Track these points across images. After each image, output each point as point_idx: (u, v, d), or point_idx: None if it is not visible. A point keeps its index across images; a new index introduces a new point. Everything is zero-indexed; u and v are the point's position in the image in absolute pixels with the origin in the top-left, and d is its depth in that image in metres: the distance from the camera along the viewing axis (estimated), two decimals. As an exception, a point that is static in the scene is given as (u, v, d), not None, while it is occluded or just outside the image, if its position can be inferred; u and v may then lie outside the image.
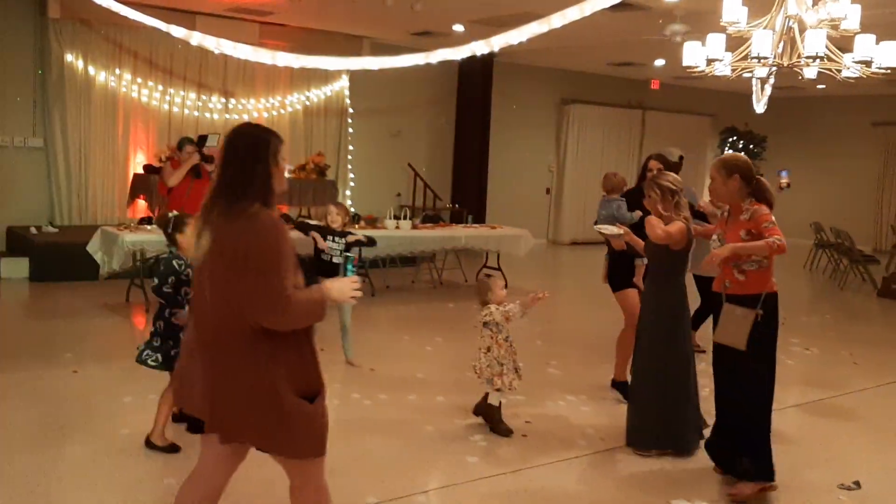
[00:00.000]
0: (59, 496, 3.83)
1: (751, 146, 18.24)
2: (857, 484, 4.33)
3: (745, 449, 4.12)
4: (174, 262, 4.36)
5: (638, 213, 5.55)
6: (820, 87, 14.53)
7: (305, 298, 2.63)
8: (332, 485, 4.00)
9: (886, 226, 16.33)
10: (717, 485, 4.27)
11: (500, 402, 4.88)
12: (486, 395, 4.91)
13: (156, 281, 4.39)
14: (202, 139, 8.46)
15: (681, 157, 6.33)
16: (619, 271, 5.62)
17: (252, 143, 2.68)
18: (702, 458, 4.54)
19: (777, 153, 18.15)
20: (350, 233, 6.35)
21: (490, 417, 4.90)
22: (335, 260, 6.07)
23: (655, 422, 4.61)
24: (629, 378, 5.02)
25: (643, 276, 5.19)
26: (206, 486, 2.90)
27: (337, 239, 6.12)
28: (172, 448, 4.36)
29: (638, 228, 5.11)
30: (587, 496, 4.07)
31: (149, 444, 4.39)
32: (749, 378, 4.12)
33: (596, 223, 5.54)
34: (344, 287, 2.78)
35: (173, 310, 4.35)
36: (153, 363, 4.38)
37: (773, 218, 4.10)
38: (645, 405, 4.65)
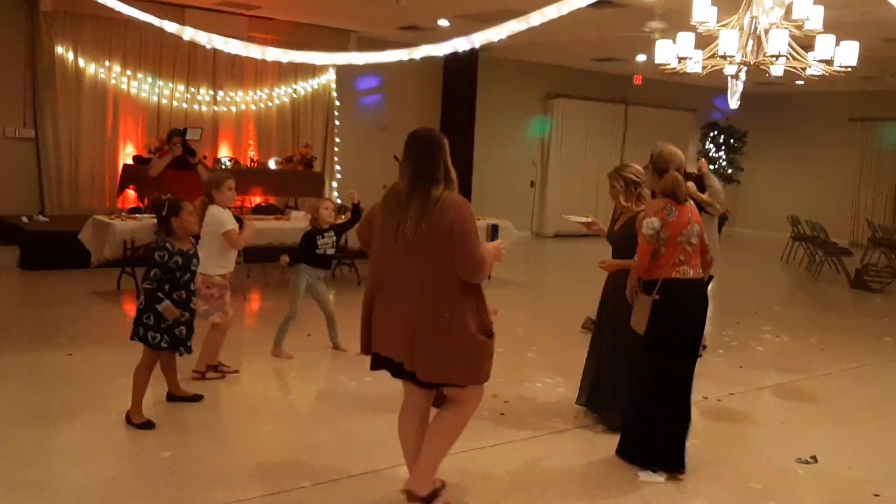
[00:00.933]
0: (59, 469, 4.04)
1: (731, 140, 18.57)
2: (814, 458, 4.61)
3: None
4: (156, 255, 4.54)
5: None
6: (798, 82, 14.83)
7: (488, 257, 3.45)
8: (320, 458, 4.27)
9: (863, 220, 16.69)
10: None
11: None
12: None
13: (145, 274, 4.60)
14: (183, 132, 8.53)
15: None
16: None
17: (434, 143, 3.53)
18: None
19: (757, 148, 18.48)
20: (337, 225, 6.48)
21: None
22: (329, 252, 6.29)
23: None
24: None
25: None
26: (418, 413, 3.72)
27: (327, 234, 6.30)
28: (148, 424, 4.55)
29: None
30: (559, 469, 4.32)
31: (128, 420, 4.60)
32: (637, 364, 4.31)
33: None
34: (495, 249, 3.60)
35: (154, 305, 4.50)
36: (163, 344, 4.59)
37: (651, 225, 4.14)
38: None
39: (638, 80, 16.13)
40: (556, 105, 16.20)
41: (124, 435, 4.50)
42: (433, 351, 3.41)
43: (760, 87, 15.43)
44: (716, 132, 18.58)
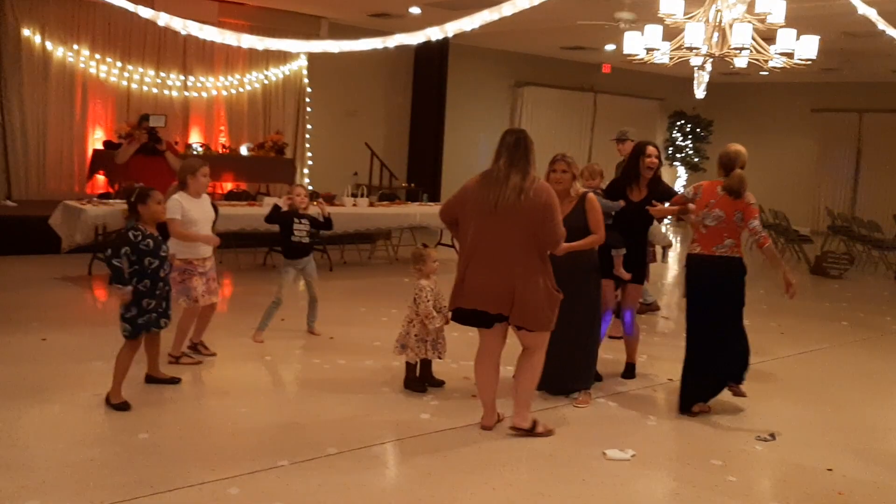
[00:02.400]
0: (37, 450, 4.07)
1: (697, 129, 18.87)
2: (773, 436, 4.81)
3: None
4: (130, 234, 4.61)
5: (621, 203, 5.62)
6: (763, 73, 15.11)
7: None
8: (297, 437, 4.38)
9: (823, 208, 17.10)
10: (643, 435, 4.72)
11: (417, 363, 5.30)
12: (409, 366, 5.32)
13: (108, 252, 4.60)
14: (145, 118, 8.30)
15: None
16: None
17: (526, 138, 4.41)
18: (630, 415, 4.98)
19: (722, 136, 18.77)
20: (311, 216, 6.48)
21: (407, 376, 5.33)
22: (304, 241, 6.32)
23: (570, 366, 5.16)
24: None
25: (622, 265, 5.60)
26: (493, 357, 4.60)
27: (303, 220, 6.34)
28: (124, 406, 4.64)
29: (620, 217, 5.54)
30: (528, 447, 4.47)
31: (107, 401, 4.68)
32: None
33: None
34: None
35: (116, 284, 4.56)
36: (123, 334, 4.66)
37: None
38: (559, 353, 4.94)
39: (607, 68, 16.32)
40: (524, 93, 16.34)
41: (102, 416, 4.56)
42: (527, 302, 4.30)
43: (727, 77, 15.71)
44: (682, 121, 18.87)
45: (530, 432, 4.54)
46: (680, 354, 6.50)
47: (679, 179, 18.93)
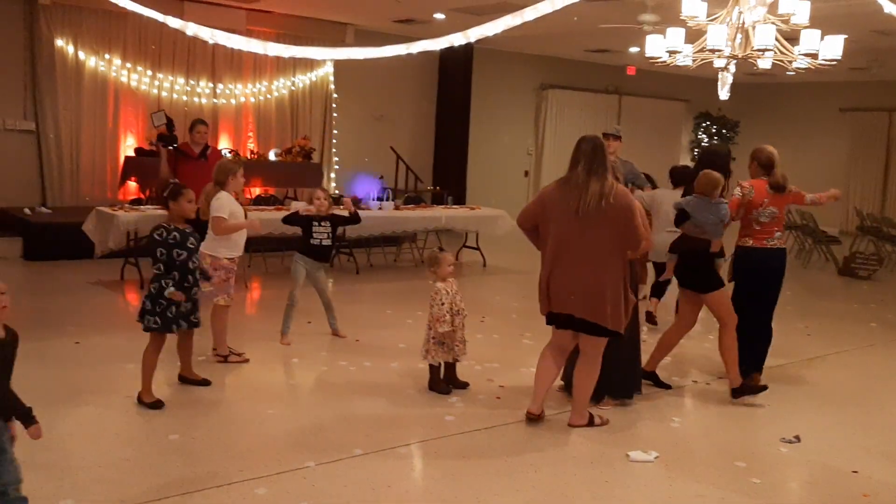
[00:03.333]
0: (74, 451, 4.19)
1: (723, 131, 18.74)
2: (798, 438, 4.80)
3: None
4: (154, 234, 4.78)
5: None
6: (789, 73, 14.99)
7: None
8: (323, 439, 4.45)
9: (852, 208, 16.88)
10: (667, 437, 4.73)
11: (440, 364, 5.35)
12: (433, 368, 5.37)
13: (152, 261, 4.80)
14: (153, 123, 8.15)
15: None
16: (704, 272, 5.44)
17: (601, 145, 4.55)
18: (654, 416, 5.01)
19: (749, 137, 18.62)
20: (334, 215, 6.58)
21: (431, 378, 5.37)
22: (324, 243, 6.38)
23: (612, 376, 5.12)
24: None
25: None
26: (561, 353, 4.83)
27: (324, 223, 6.41)
28: (157, 404, 4.79)
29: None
30: (554, 449, 4.51)
31: (139, 401, 4.83)
32: None
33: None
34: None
35: (163, 280, 4.71)
36: (154, 326, 4.77)
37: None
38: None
39: (632, 70, 16.28)
40: (549, 96, 16.35)
41: (135, 417, 4.67)
42: (613, 306, 4.47)
43: (752, 77, 15.61)
44: (708, 122, 18.75)
45: (588, 425, 4.78)
46: (699, 355, 6.55)
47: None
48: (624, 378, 5.24)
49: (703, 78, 16.71)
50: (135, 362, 5.43)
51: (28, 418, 3.15)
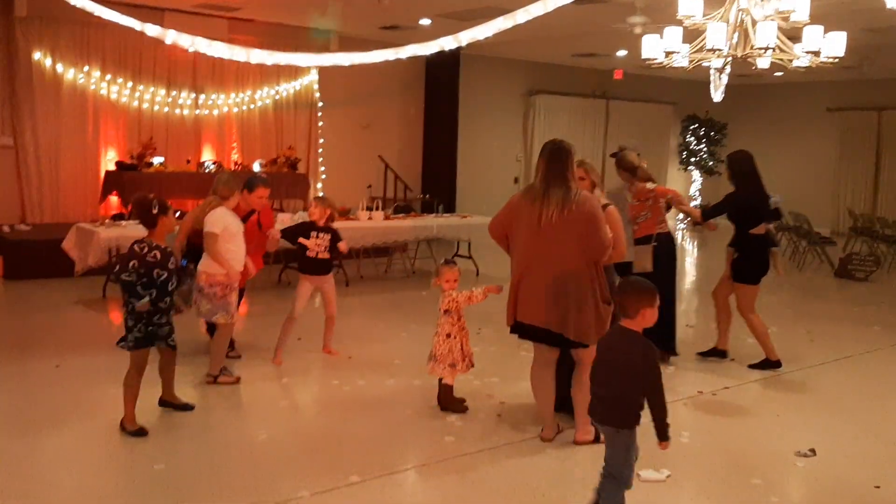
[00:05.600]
0: (52, 481, 3.97)
1: (711, 133, 18.64)
2: (813, 451, 4.61)
3: None
4: (136, 246, 4.51)
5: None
6: (777, 73, 14.93)
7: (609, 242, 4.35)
8: (317, 464, 4.22)
9: (844, 208, 16.81)
10: (677, 452, 4.53)
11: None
12: (441, 382, 5.11)
13: (117, 267, 4.54)
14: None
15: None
16: (756, 262, 6.13)
17: (564, 150, 4.39)
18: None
19: (737, 139, 18.54)
20: (333, 230, 6.15)
21: (446, 397, 5.10)
22: (320, 256, 6.04)
23: None
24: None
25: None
26: (548, 369, 4.59)
27: (322, 235, 6.06)
28: (141, 431, 4.52)
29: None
30: (560, 470, 4.30)
31: (122, 428, 4.57)
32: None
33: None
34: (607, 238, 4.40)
35: (131, 299, 4.47)
36: (131, 344, 4.53)
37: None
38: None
39: (619, 74, 16.17)
40: (537, 101, 16.20)
41: (117, 445, 4.43)
42: (578, 316, 4.29)
43: (739, 78, 15.49)
44: (696, 125, 18.66)
45: (595, 442, 4.51)
46: (702, 364, 6.39)
47: (694, 184, 18.71)
48: None
49: (691, 80, 16.61)
50: (117, 386, 5.16)
51: None
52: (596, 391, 3.49)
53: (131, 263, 4.46)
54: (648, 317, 3.37)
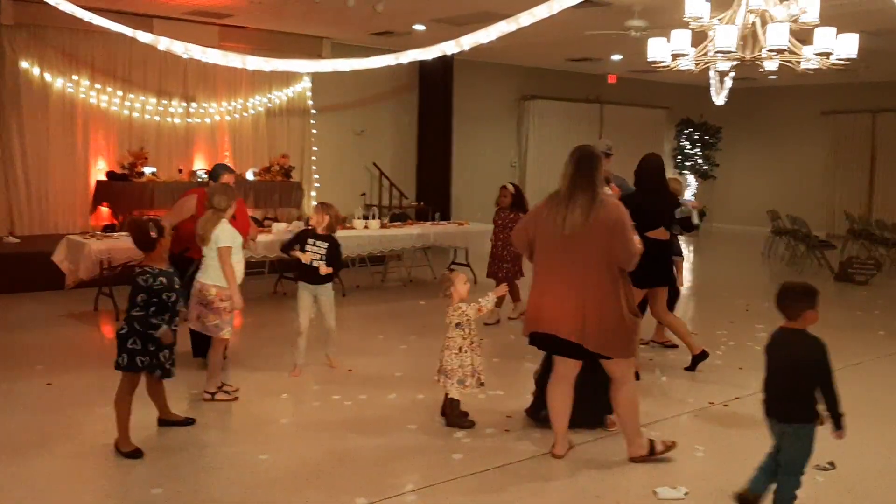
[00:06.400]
0: (45, 509, 3.79)
1: (706, 137, 18.58)
2: (832, 464, 4.47)
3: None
4: (139, 280, 4.33)
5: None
6: (772, 77, 14.86)
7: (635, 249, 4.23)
8: (321, 486, 4.05)
9: (839, 212, 16.75)
10: (693, 468, 4.39)
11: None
12: (447, 396, 4.95)
13: (135, 310, 4.34)
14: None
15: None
16: (653, 267, 5.88)
17: (593, 156, 4.29)
18: (678, 443, 4.64)
19: (731, 143, 18.51)
20: (331, 239, 6.01)
21: (453, 413, 4.95)
22: (315, 264, 5.88)
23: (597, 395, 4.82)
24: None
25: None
26: (566, 383, 4.43)
27: (319, 243, 5.90)
28: (136, 453, 4.35)
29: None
30: (573, 488, 4.15)
31: (117, 449, 4.40)
32: None
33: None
34: (638, 243, 4.32)
35: (149, 331, 4.31)
36: (139, 365, 4.37)
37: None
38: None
39: (612, 79, 16.09)
40: (531, 106, 16.09)
41: (112, 469, 4.25)
42: (600, 327, 4.15)
43: (734, 82, 15.37)
44: (690, 129, 18.59)
45: (651, 457, 4.41)
46: (712, 374, 6.25)
47: (689, 188, 18.62)
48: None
49: (685, 85, 16.56)
50: (111, 404, 5.00)
51: None
52: (776, 392, 3.65)
53: (139, 298, 4.29)
54: (810, 318, 3.61)
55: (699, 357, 6.36)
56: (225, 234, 5.25)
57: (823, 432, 5.01)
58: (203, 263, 5.32)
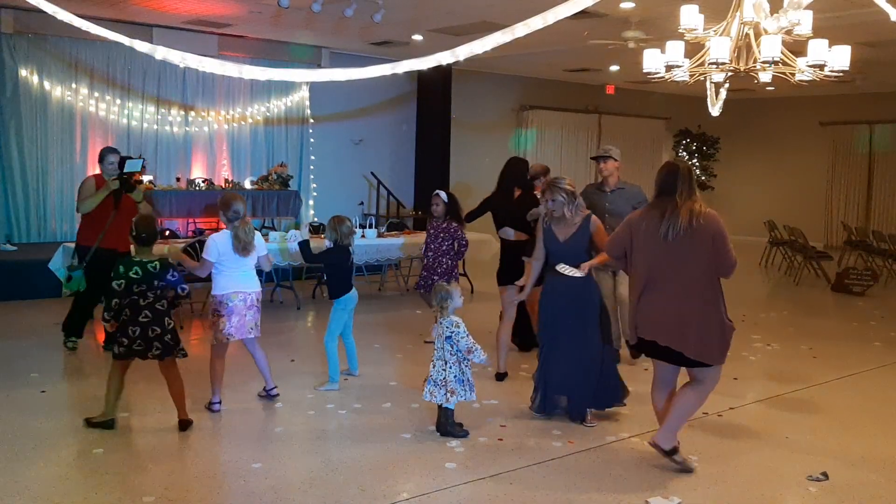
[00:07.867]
0: (38, 518, 3.79)
1: (704, 147, 18.62)
2: (825, 475, 4.47)
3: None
4: (114, 284, 4.81)
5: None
6: (769, 88, 14.91)
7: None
8: (314, 496, 4.05)
9: (836, 222, 16.80)
10: (688, 478, 4.38)
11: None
12: (440, 406, 4.96)
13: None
14: (123, 161, 6.61)
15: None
16: (509, 268, 6.24)
17: (689, 171, 4.41)
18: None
19: (729, 154, 18.55)
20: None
21: (447, 422, 4.95)
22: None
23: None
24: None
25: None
26: (668, 387, 4.60)
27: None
28: (109, 424, 4.83)
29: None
30: (567, 497, 4.14)
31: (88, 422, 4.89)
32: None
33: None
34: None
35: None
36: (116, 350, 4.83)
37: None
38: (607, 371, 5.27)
39: (611, 89, 16.15)
40: (529, 116, 16.14)
41: (106, 476, 4.24)
42: (700, 335, 4.24)
43: (732, 93, 15.40)
44: (688, 139, 18.64)
45: (668, 454, 4.45)
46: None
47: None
48: (606, 388, 5.25)
49: (683, 95, 16.60)
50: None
51: None
52: None
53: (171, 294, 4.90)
54: None
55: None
56: (261, 241, 5.54)
57: (817, 444, 5.05)
58: (244, 273, 5.39)
